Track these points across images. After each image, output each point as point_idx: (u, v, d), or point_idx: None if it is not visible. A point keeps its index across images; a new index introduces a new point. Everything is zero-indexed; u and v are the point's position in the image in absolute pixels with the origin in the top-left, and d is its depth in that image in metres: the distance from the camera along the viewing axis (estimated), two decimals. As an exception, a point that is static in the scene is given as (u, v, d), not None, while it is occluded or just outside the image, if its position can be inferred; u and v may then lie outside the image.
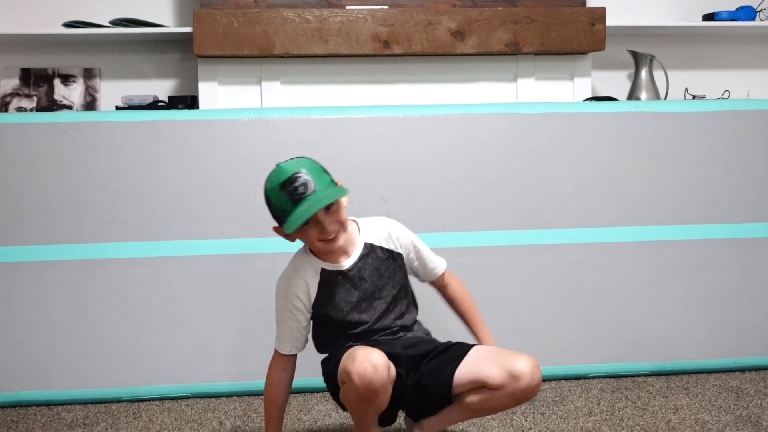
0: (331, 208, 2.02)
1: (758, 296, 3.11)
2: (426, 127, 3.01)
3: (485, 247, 2.98)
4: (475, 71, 3.62)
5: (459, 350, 2.12)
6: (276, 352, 2.20)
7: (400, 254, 2.21)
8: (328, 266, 2.13)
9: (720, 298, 3.09)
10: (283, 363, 2.18)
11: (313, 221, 2.01)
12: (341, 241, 2.08)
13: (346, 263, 2.14)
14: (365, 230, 2.20)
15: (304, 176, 1.98)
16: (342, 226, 2.07)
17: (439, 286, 2.34)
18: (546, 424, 2.53)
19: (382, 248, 2.18)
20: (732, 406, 2.68)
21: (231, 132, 2.93)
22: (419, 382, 2.09)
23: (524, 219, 3.02)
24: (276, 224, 2.10)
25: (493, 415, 2.57)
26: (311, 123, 2.98)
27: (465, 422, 2.50)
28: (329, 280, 2.13)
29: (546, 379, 2.99)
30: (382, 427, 2.20)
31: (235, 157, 2.92)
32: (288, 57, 3.48)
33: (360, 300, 2.14)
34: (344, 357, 2.05)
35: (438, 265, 2.30)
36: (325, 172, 2.07)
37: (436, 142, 3.00)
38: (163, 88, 3.88)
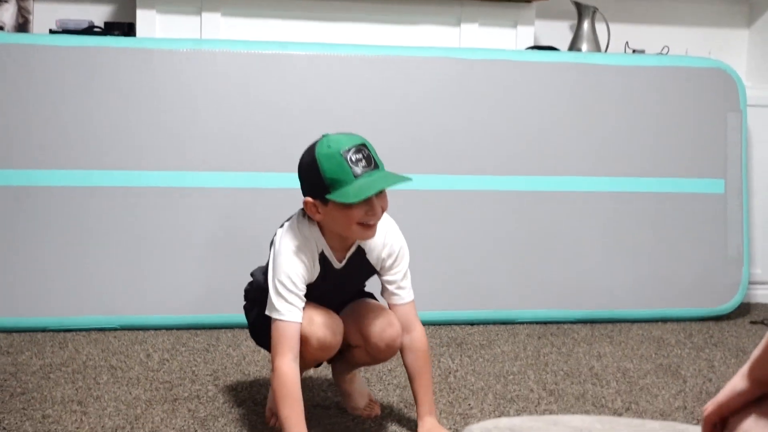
0: (383, 192, 1.88)
1: (682, 250, 3.18)
2: (367, 67, 2.98)
3: (418, 191, 2.98)
4: (418, 14, 3.58)
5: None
6: (281, 336, 1.87)
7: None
8: (328, 253, 1.96)
9: (646, 251, 3.16)
10: (294, 346, 1.88)
11: (364, 200, 1.84)
12: (376, 230, 1.91)
13: (341, 262, 1.98)
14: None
15: (368, 151, 1.86)
16: (382, 214, 1.90)
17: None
18: (473, 367, 2.57)
19: (366, 259, 2.00)
20: (653, 355, 2.75)
21: (168, 62, 2.87)
22: None
23: (458, 164, 3.03)
24: (308, 195, 1.88)
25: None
26: (250, 57, 2.93)
27: (391, 362, 2.52)
28: (321, 265, 1.97)
29: (474, 323, 3.03)
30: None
31: (172, 87, 2.87)
32: (230, -12, 3.41)
33: (328, 290, 2.01)
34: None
35: (405, 295, 2.03)
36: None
37: (376, 83, 2.98)
38: (98, 13, 3.77)
